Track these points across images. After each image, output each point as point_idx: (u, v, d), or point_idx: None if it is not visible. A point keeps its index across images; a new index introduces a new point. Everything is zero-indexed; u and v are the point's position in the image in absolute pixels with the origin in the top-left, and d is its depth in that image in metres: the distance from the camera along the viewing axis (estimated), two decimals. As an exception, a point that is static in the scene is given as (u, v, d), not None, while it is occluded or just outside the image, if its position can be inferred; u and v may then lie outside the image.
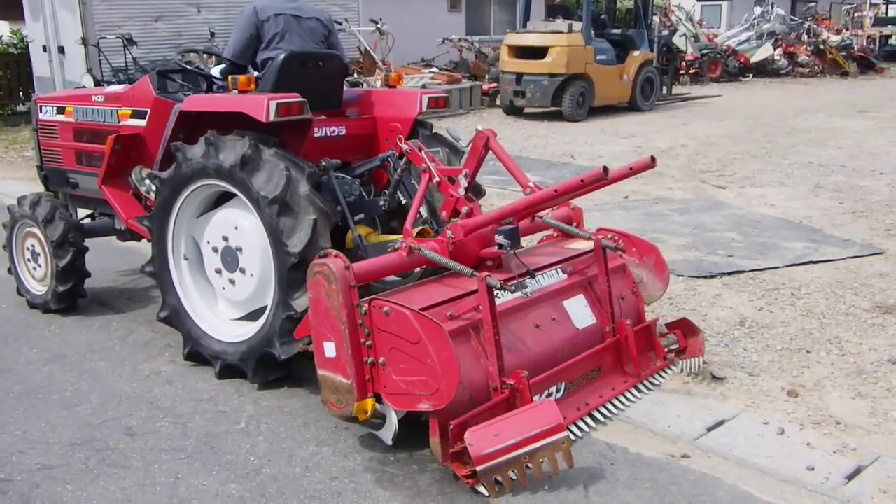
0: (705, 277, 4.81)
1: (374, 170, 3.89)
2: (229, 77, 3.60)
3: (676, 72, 17.33)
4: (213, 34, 10.64)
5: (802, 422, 3.10)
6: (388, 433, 2.87)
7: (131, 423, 3.21)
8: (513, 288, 2.91)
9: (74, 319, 4.42)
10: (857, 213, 6.38)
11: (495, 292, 2.83)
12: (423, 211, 3.81)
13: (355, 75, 10.85)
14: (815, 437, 2.98)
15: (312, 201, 3.27)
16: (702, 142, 10.17)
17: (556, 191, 2.92)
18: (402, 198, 3.69)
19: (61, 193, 4.76)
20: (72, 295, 4.43)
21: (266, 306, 3.40)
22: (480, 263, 3.21)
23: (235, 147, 3.35)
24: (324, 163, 3.56)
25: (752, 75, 19.33)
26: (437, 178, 3.33)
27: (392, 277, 3.78)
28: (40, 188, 4.95)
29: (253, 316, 3.55)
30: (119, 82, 4.96)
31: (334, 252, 2.83)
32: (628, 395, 3.25)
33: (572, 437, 2.89)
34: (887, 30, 25.16)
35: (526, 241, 3.60)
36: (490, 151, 3.33)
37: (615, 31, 13.89)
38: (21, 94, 13.54)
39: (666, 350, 3.48)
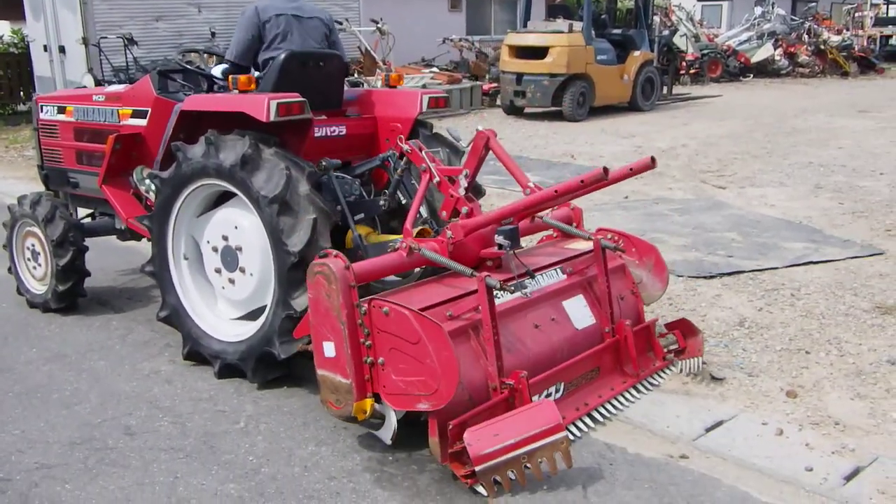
0: (705, 278, 4.81)
1: (374, 170, 3.90)
2: (230, 77, 3.60)
3: (677, 72, 17.33)
4: (213, 34, 10.65)
5: (801, 422, 3.10)
6: (387, 433, 2.87)
7: (130, 422, 3.22)
8: (512, 288, 2.91)
9: (74, 319, 4.42)
10: (857, 213, 6.38)
11: (495, 292, 2.83)
12: (423, 211, 3.82)
13: (356, 75, 10.85)
14: (813, 437, 2.99)
15: (312, 201, 3.27)
16: (702, 142, 10.17)
17: (556, 191, 2.92)
18: (402, 198, 3.69)
19: (62, 193, 4.76)
20: (72, 294, 4.43)
21: (266, 306, 3.40)
22: (480, 263, 3.21)
23: (236, 147, 3.36)
24: (324, 163, 3.56)
25: (752, 75, 19.32)
26: (437, 178, 3.33)
27: (392, 277, 3.78)
28: (41, 187, 4.95)
29: (252, 315, 3.56)
30: (120, 82, 4.96)
31: (334, 252, 2.83)
32: (627, 395, 3.25)
33: (571, 437, 2.89)
34: (888, 30, 25.15)
35: (526, 242, 3.61)
36: (490, 151, 3.33)
37: (616, 31, 13.90)
38: (22, 93, 13.55)
39: (665, 350, 3.49)
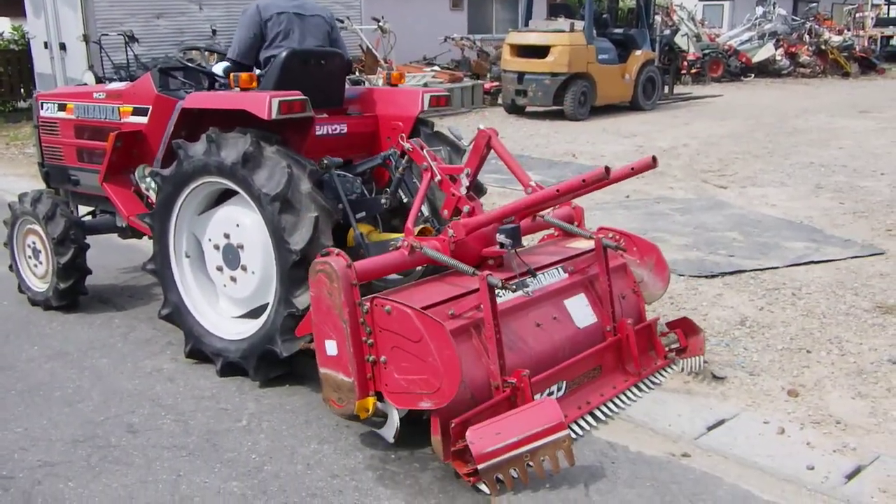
0: (706, 277, 4.82)
1: (375, 168, 3.90)
2: (231, 75, 3.60)
3: (678, 71, 17.33)
4: (214, 31, 10.65)
5: (803, 421, 3.10)
6: (389, 431, 2.87)
7: (133, 420, 3.22)
8: (514, 287, 2.92)
9: (76, 317, 4.42)
10: (858, 213, 6.38)
11: (496, 291, 2.83)
12: (425, 209, 3.82)
13: (357, 73, 10.85)
14: (815, 436, 2.99)
15: (314, 199, 3.28)
16: (703, 141, 10.17)
17: (557, 190, 2.93)
18: (403, 196, 3.69)
19: (62, 190, 4.76)
20: (73, 292, 4.43)
21: (267, 304, 3.41)
22: (482, 262, 3.21)
23: (237, 144, 3.36)
24: (325, 161, 3.56)
25: (753, 75, 19.32)
26: (438, 177, 3.33)
27: (393, 276, 3.79)
28: (41, 185, 4.95)
29: (254, 313, 3.56)
30: (120, 79, 4.96)
31: (336, 250, 2.83)
32: (629, 393, 3.25)
33: (573, 435, 2.90)
34: (889, 30, 25.14)
35: (527, 241, 3.61)
36: (492, 150, 3.33)
37: (617, 30, 13.90)
38: (22, 90, 13.55)
39: (667, 349, 3.49)
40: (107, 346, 4.00)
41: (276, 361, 3.40)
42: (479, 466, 2.57)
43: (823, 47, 20.07)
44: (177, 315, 3.74)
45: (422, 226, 3.56)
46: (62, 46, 11.57)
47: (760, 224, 6.05)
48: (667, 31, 16.87)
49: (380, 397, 2.78)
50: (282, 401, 3.36)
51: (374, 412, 2.79)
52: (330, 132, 3.83)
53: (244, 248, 3.48)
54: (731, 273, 4.87)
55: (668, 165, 8.42)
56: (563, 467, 2.66)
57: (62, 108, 4.59)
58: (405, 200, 3.68)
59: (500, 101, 13.85)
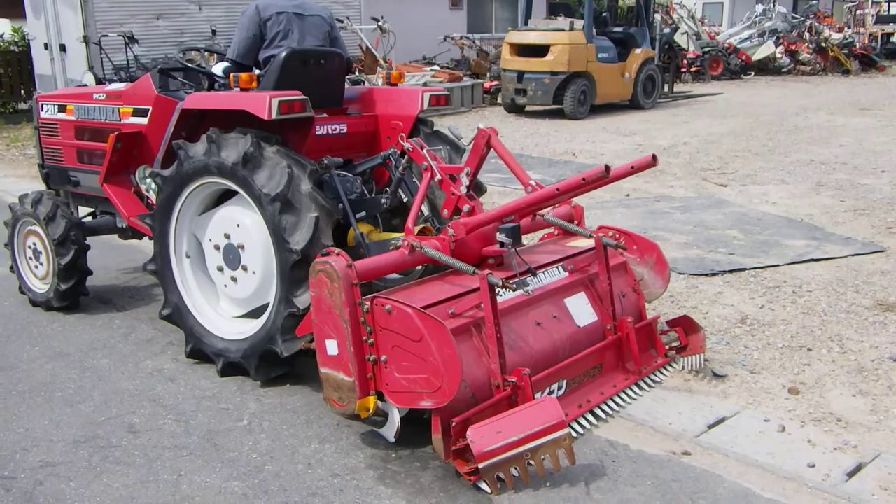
0: (706, 275, 4.82)
1: (375, 168, 3.90)
2: (231, 75, 3.60)
3: (678, 70, 17.33)
4: (214, 32, 10.66)
5: (803, 419, 3.10)
6: (390, 431, 2.87)
7: (134, 420, 3.22)
8: (514, 286, 2.92)
9: (76, 317, 4.43)
10: (859, 211, 6.37)
11: (497, 290, 2.84)
12: (425, 209, 3.82)
13: (356, 73, 10.85)
14: (815, 434, 2.99)
15: (314, 199, 3.28)
16: (703, 140, 10.17)
17: (557, 189, 2.93)
18: (403, 196, 3.69)
19: (63, 191, 4.77)
20: (74, 293, 4.44)
21: (268, 304, 3.41)
22: (482, 261, 3.21)
23: (237, 145, 3.36)
24: (325, 161, 3.57)
25: (753, 73, 19.31)
26: (438, 177, 3.33)
27: (394, 275, 3.79)
28: (42, 186, 4.96)
29: (255, 313, 3.56)
30: (120, 80, 4.96)
31: (336, 250, 2.83)
32: (629, 392, 3.26)
33: (574, 434, 2.90)
34: (889, 28, 25.11)
35: (527, 239, 3.61)
36: (492, 149, 3.33)
37: (617, 29, 13.90)
38: (22, 91, 13.56)
39: (667, 347, 3.49)
40: (108, 347, 4.00)
41: (277, 361, 3.40)
42: (480, 465, 2.58)
43: (824, 45, 20.05)
44: (177, 315, 3.75)
45: (422, 225, 3.56)
46: (62, 48, 11.58)
47: (761, 222, 6.05)
48: (666, 30, 16.86)
49: (380, 397, 2.79)
50: (283, 400, 3.36)
51: (375, 411, 2.80)
52: (330, 132, 3.83)
53: (245, 248, 3.49)
54: (732, 271, 4.88)
55: (668, 164, 8.42)
56: (563, 466, 2.66)
57: (62, 109, 4.59)
58: (405, 200, 3.68)
59: (499, 100, 13.85)
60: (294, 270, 3.20)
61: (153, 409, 3.31)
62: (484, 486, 2.63)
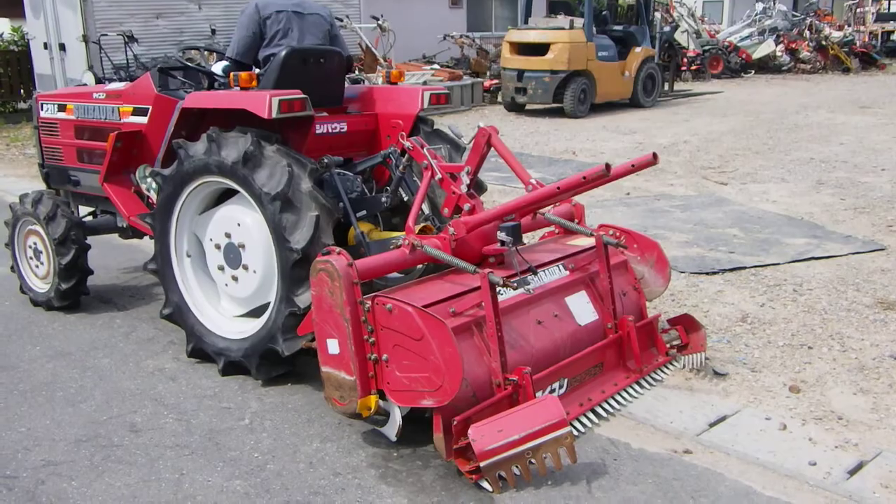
0: (707, 274, 4.82)
1: (375, 167, 3.89)
2: (231, 74, 3.60)
3: (678, 68, 17.32)
4: (213, 31, 10.66)
5: (804, 417, 3.11)
6: (391, 429, 2.87)
7: (135, 419, 3.23)
8: (515, 284, 2.92)
9: (77, 317, 4.43)
10: (859, 209, 6.37)
11: (497, 289, 2.84)
12: (426, 208, 3.82)
13: (356, 72, 10.85)
14: (816, 432, 2.99)
15: (315, 197, 3.28)
16: (703, 138, 10.17)
17: (558, 188, 2.93)
18: (404, 195, 3.69)
19: (63, 191, 4.77)
20: (74, 292, 4.44)
21: (269, 303, 3.41)
22: (483, 260, 3.21)
23: (237, 144, 3.36)
24: (326, 160, 3.57)
25: (753, 72, 19.30)
26: (438, 175, 3.33)
27: (394, 274, 3.79)
28: (42, 186, 4.96)
29: (256, 312, 3.56)
30: (120, 80, 4.96)
31: (337, 249, 2.83)
32: (630, 390, 3.26)
33: (575, 432, 2.90)
34: (889, 26, 25.09)
35: (528, 238, 3.61)
36: (492, 148, 3.33)
37: (617, 27, 13.89)
38: (22, 91, 13.55)
39: (668, 346, 3.49)
40: (109, 346, 4.01)
41: (278, 360, 3.40)
42: (482, 464, 2.58)
43: (824, 43, 20.04)
44: (178, 315, 3.75)
45: (422, 224, 3.56)
46: (62, 47, 11.57)
47: (761, 220, 6.05)
48: (667, 28, 16.86)
49: (382, 395, 2.79)
50: (284, 399, 3.36)
51: (376, 410, 2.80)
52: (330, 131, 3.83)
53: (245, 247, 3.49)
54: (732, 270, 4.88)
55: (669, 162, 8.41)
56: (565, 464, 2.67)
57: (62, 108, 4.59)
58: (406, 199, 3.68)
59: (499, 98, 13.85)
60: (295, 269, 3.20)
61: (154, 409, 3.31)
62: (485, 484, 2.63)
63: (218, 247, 3.61)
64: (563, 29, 12.40)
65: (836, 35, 20.52)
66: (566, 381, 3.06)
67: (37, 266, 4.52)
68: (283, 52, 3.67)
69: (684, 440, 2.96)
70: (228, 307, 3.73)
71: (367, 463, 2.85)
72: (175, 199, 3.64)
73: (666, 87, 15.11)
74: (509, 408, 2.74)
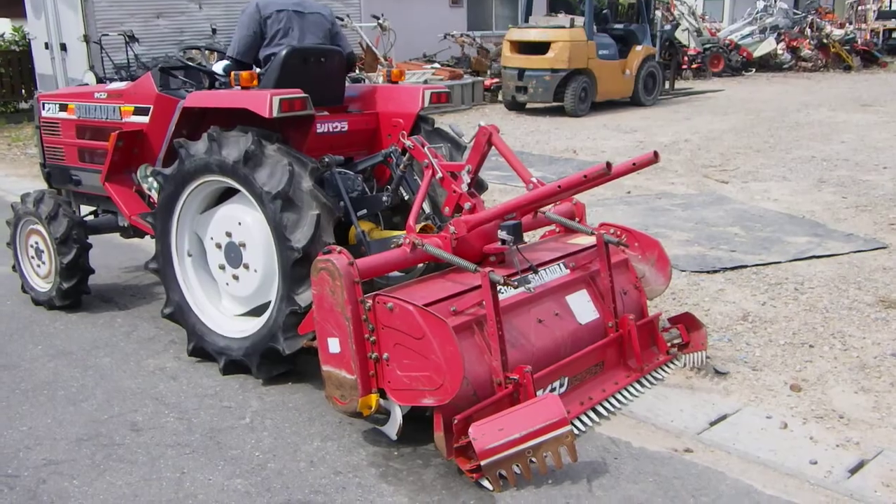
0: (708, 272, 4.81)
1: (376, 166, 3.90)
2: (232, 73, 3.60)
3: (679, 66, 17.30)
4: (214, 30, 10.67)
5: (805, 416, 3.10)
6: (392, 428, 2.88)
7: (137, 418, 3.23)
8: (516, 283, 2.92)
9: (79, 316, 4.43)
10: (861, 207, 6.37)
11: (498, 288, 2.84)
12: (426, 207, 3.82)
13: (357, 71, 10.85)
14: (818, 431, 2.99)
15: (315, 196, 3.28)
16: (704, 136, 10.16)
17: (559, 186, 2.93)
18: (404, 194, 3.69)
19: (64, 190, 4.77)
20: (76, 292, 4.44)
21: (270, 302, 3.41)
22: (483, 259, 3.22)
23: (238, 143, 3.36)
24: (326, 159, 3.57)
25: (754, 70, 19.28)
26: (439, 174, 3.33)
27: (395, 273, 3.79)
28: (43, 185, 4.96)
29: (257, 311, 3.57)
30: (121, 79, 4.96)
31: (338, 248, 2.84)
32: (631, 389, 3.26)
33: (576, 431, 2.90)
34: (891, 23, 25.02)
35: (529, 237, 3.61)
36: (493, 147, 3.33)
37: (617, 25, 13.89)
38: (23, 91, 13.57)
39: (669, 345, 3.49)
40: (110, 345, 4.01)
41: (279, 359, 3.41)
42: (482, 463, 2.58)
43: (825, 41, 20.01)
44: (179, 314, 3.75)
45: (423, 223, 3.56)
46: (63, 47, 11.58)
47: (762, 219, 6.05)
48: (667, 27, 16.85)
49: (382, 394, 2.79)
50: (284, 398, 3.37)
51: (377, 409, 2.80)
52: (331, 130, 3.83)
53: (246, 246, 3.49)
54: (733, 268, 4.87)
55: (670, 161, 8.41)
56: (565, 463, 2.67)
57: (63, 108, 4.60)
58: (406, 198, 3.68)
59: (500, 97, 13.84)
60: (295, 268, 3.21)
61: (155, 408, 3.32)
62: (486, 483, 2.63)
63: (219, 246, 3.61)
64: (563, 27, 12.40)
65: (838, 33, 20.49)
66: (567, 379, 3.06)
67: (38, 265, 4.52)
68: (284, 52, 3.67)
69: (685, 439, 2.96)
70: (229, 306, 3.74)
71: (368, 462, 2.86)
72: (176, 198, 3.64)
73: (667, 85, 15.10)
74: (510, 406, 2.74)
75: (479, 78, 14.48)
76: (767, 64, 19.48)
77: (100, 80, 4.93)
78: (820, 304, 4.28)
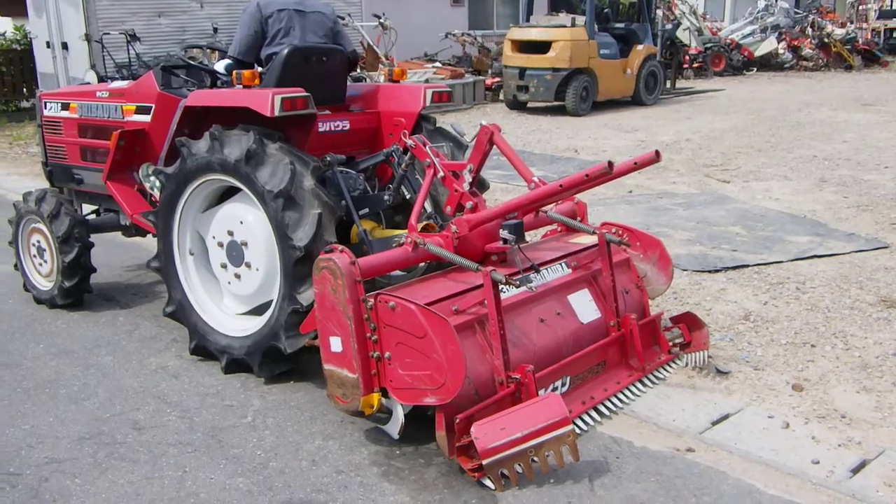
0: (710, 272, 4.81)
1: (378, 165, 3.90)
2: (233, 72, 3.60)
3: (680, 66, 17.29)
4: (216, 29, 10.65)
5: (807, 415, 3.10)
6: (394, 427, 2.88)
7: (138, 417, 3.23)
8: (518, 282, 2.92)
9: (81, 315, 4.44)
10: (862, 206, 6.36)
11: (500, 287, 2.84)
12: (428, 206, 3.82)
13: (358, 70, 10.84)
14: (819, 430, 2.99)
15: (317, 195, 3.28)
16: (705, 136, 10.15)
17: (560, 185, 2.93)
18: (406, 193, 3.69)
19: (66, 189, 4.78)
20: (78, 290, 4.45)
21: (271, 300, 3.41)
22: (485, 258, 3.21)
23: (240, 142, 3.36)
24: (328, 158, 3.57)
25: (755, 69, 19.26)
26: (441, 173, 3.33)
27: (397, 272, 3.79)
28: (45, 184, 4.97)
29: (259, 310, 3.57)
30: (123, 78, 4.97)
31: (340, 247, 2.84)
32: (633, 389, 3.26)
33: (578, 430, 2.90)
34: (892, 23, 24.99)
35: (530, 236, 3.61)
36: (494, 146, 3.33)
37: (618, 25, 13.87)
38: (25, 90, 13.57)
39: (671, 344, 3.49)
40: (112, 344, 4.01)
41: (281, 358, 3.41)
42: (484, 462, 2.58)
43: (826, 40, 19.98)
44: (181, 312, 3.75)
45: (425, 222, 3.56)
46: (64, 46, 11.59)
47: (764, 218, 6.04)
48: (668, 26, 16.83)
49: (384, 393, 2.79)
50: (286, 397, 3.37)
51: (379, 408, 2.80)
52: (332, 129, 3.83)
53: (248, 244, 3.49)
54: (735, 268, 4.87)
55: (671, 160, 8.41)
56: (567, 462, 2.67)
57: (65, 107, 4.60)
58: (408, 197, 3.68)
59: (501, 96, 13.83)
60: (297, 267, 3.21)
61: (157, 406, 3.32)
62: (488, 482, 2.63)
63: (221, 244, 3.61)
64: (564, 27, 12.39)
65: (839, 32, 20.47)
66: (569, 378, 3.06)
67: (40, 264, 4.53)
68: (286, 51, 3.67)
69: (687, 438, 2.96)
70: (231, 305, 3.74)
71: (370, 461, 2.86)
72: (178, 197, 3.65)
73: (668, 84, 15.08)
74: (512, 406, 2.74)
75: (481, 77, 14.47)
76: (768, 63, 19.46)
77: (101, 79, 4.93)
78: (822, 303, 4.27)
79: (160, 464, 2.87)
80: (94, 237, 4.47)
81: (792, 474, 2.71)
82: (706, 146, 9.40)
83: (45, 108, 4.75)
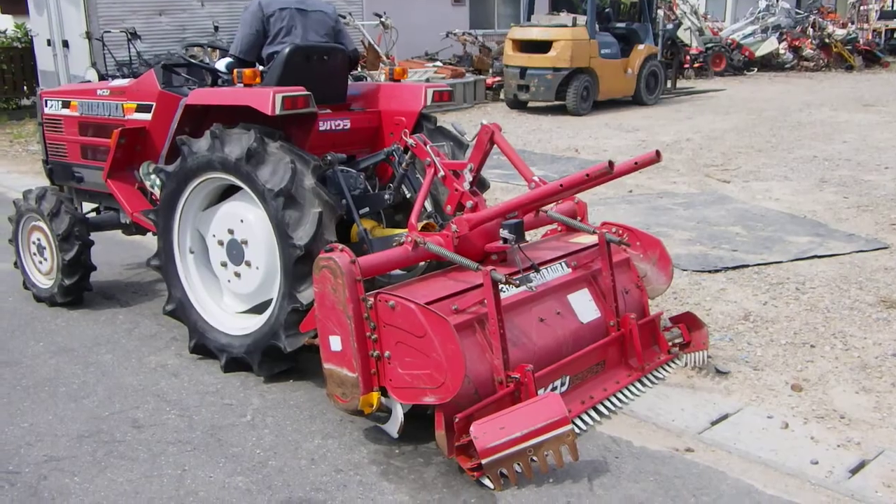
0: (709, 272, 4.81)
1: (378, 164, 3.90)
2: (234, 71, 3.60)
3: (681, 66, 17.29)
4: (216, 28, 10.67)
5: (806, 416, 3.10)
6: (393, 426, 2.88)
7: (138, 415, 3.23)
8: (517, 282, 2.92)
9: (80, 313, 4.44)
10: (862, 207, 6.36)
11: (500, 286, 2.84)
12: (428, 205, 3.82)
13: (359, 69, 10.84)
14: (819, 430, 2.99)
15: (318, 194, 3.28)
16: (706, 136, 10.15)
17: (561, 185, 2.93)
18: (406, 192, 3.69)
19: (67, 187, 4.78)
20: (78, 288, 4.45)
21: (272, 299, 3.41)
22: (485, 257, 3.22)
23: (241, 140, 3.36)
24: (329, 157, 3.57)
25: (756, 69, 19.25)
26: (441, 173, 3.33)
27: (397, 271, 3.79)
28: (45, 182, 4.97)
29: (258, 309, 3.57)
30: (123, 76, 4.97)
31: (340, 246, 2.84)
32: (632, 388, 3.26)
33: (577, 430, 2.90)
34: (893, 23, 24.97)
35: (530, 236, 3.61)
36: (495, 145, 3.33)
37: (619, 24, 13.87)
38: (25, 88, 13.57)
39: (670, 344, 3.49)
40: (111, 342, 4.01)
41: (280, 357, 3.41)
42: (483, 461, 2.58)
43: (827, 41, 19.98)
44: (181, 311, 3.75)
45: (425, 221, 3.56)
46: (65, 44, 11.59)
47: (764, 218, 6.04)
48: (669, 26, 16.83)
49: (384, 392, 2.79)
50: (286, 396, 3.37)
51: (378, 407, 2.80)
52: (333, 128, 3.83)
53: (248, 243, 3.49)
54: (735, 268, 4.87)
55: (671, 160, 8.40)
56: (566, 462, 2.67)
57: (66, 105, 4.60)
58: (408, 196, 3.68)
59: (502, 96, 13.83)
60: (297, 266, 3.21)
61: (157, 405, 3.32)
62: (487, 481, 2.63)
63: (221, 243, 3.61)
64: (565, 26, 12.38)
65: (840, 32, 20.46)
66: (568, 378, 3.07)
67: (40, 262, 4.53)
68: (287, 50, 3.67)
69: (686, 438, 2.96)
70: (231, 303, 3.74)
71: (369, 460, 2.86)
72: (178, 195, 3.65)
73: (669, 84, 15.08)
74: (511, 405, 2.74)
75: (481, 76, 14.47)
76: (769, 63, 19.46)
77: (102, 77, 4.92)
78: (821, 304, 4.27)
79: (159, 462, 2.87)
80: (94, 235, 4.47)
81: (791, 474, 2.72)
82: (707, 146, 9.40)
83: (46, 105, 4.75)
